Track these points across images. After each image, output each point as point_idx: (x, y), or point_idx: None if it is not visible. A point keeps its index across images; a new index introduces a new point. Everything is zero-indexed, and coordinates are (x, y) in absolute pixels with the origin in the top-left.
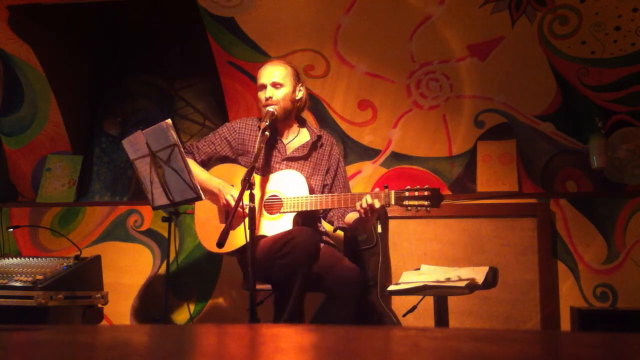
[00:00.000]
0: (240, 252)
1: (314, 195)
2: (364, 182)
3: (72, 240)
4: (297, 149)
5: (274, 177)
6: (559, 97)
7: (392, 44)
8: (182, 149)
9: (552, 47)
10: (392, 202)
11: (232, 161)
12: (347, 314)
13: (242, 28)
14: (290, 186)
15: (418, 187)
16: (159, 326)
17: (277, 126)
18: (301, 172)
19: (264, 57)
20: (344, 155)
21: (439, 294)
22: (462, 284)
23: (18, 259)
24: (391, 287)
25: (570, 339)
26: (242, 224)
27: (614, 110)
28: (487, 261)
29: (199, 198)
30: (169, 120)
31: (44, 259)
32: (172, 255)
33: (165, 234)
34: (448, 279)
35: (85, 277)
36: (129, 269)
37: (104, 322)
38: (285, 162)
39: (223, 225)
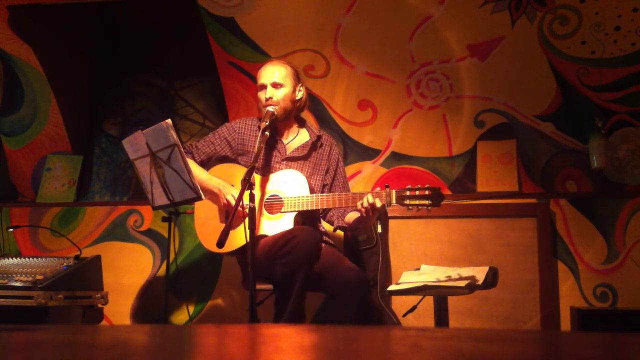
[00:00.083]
0: (240, 252)
1: (314, 194)
2: (364, 182)
3: (72, 240)
4: (297, 149)
5: (274, 177)
6: (559, 97)
7: (392, 44)
8: (182, 149)
9: (552, 47)
10: (394, 201)
11: (232, 161)
12: (347, 314)
13: (242, 28)
14: (290, 186)
15: (419, 186)
16: (159, 326)
17: (277, 126)
18: (301, 172)
19: (264, 57)
20: (344, 155)
21: (439, 294)
22: (462, 284)
23: (18, 259)
24: (391, 287)
25: (570, 339)
26: (242, 224)
27: (614, 110)
28: (487, 261)
29: (199, 198)
30: (169, 120)
31: (44, 259)
32: (172, 255)
33: (165, 234)
34: (448, 279)
35: (85, 277)
36: (129, 269)
37: (104, 322)
38: (285, 162)
39: (223, 225)
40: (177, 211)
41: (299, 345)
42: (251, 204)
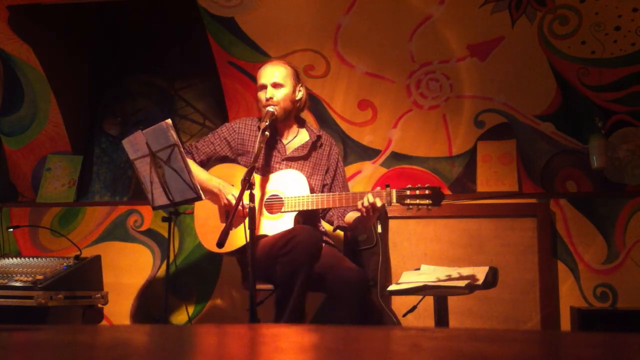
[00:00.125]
0: (240, 252)
1: (315, 194)
2: (364, 182)
3: (72, 240)
4: (297, 149)
5: (274, 177)
6: (559, 97)
7: (392, 44)
8: (182, 149)
9: (552, 47)
10: (394, 200)
11: (232, 161)
12: (348, 314)
13: (242, 28)
14: (290, 186)
15: (419, 185)
16: (159, 326)
17: (277, 126)
18: (301, 172)
19: (264, 57)
20: (344, 156)
21: (439, 294)
22: (462, 283)
23: (18, 259)
24: (391, 287)
25: (570, 339)
26: (242, 224)
27: (614, 110)
28: (487, 261)
29: (199, 198)
30: (169, 120)
31: (44, 259)
32: (172, 255)
33: (165, 234)
34: (448, 279)
35: (85, 277)
36: (129, 269)
37: (104, 322)
38: (285, 162)
39: (223, 225)
40: (177, 211)
41: (299, 345)
42: (251, 204)
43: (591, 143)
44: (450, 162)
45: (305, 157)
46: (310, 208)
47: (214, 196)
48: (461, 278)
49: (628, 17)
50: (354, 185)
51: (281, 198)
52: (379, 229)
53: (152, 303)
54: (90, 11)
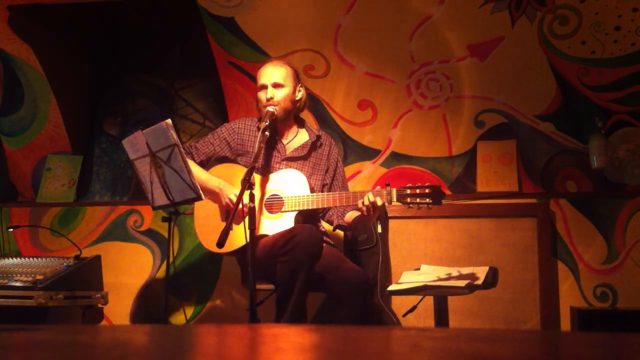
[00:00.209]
0: (240, 252)
1: (315, 193)
2: (364, 182)
3: (72, 240)
4: (297, 149)
5: (274, 177)
6: (559, 97)
7: (392, 44)
8: (182, 149)
9: (552, 47)
10: (394, 199)
11: (232, 161)
12: (348, 314)
13: (242, 28)
14: (291, 185)
15: (419, 184)
16: (159, 326)
17: (277, 126)
18: (301, 172)
19: (264, 57)
20: (344, 156)
21: (439, 294)
22: (462, 283)
23: (18, 259)
24: (391, 287)
25: (570, 339)
26: (242, 224)
27: (614, 110)
28: (487, 261)
29: (199, 198)
30: (169, 120)
31: (44, 259)
32: (172, 256)
33: (165, 234)
34: (448, 279)
35: (85, 277)
36: (129, 269)
37: (104, 322)
38: (284, 162)
39: (223, 225)
40: (177, 211)
41: (299, 345)
42: (251, 204)
43: (591, 143)
44: (450, 162)
45: (305, 157)
46: (310, 207)
47: (214, 196)
48: (461, 278)
49: (628, 17)
50: (354, 185)
51: (281, 198)
52: (379, 229)
53: (152, 303)
54: (90, 11)
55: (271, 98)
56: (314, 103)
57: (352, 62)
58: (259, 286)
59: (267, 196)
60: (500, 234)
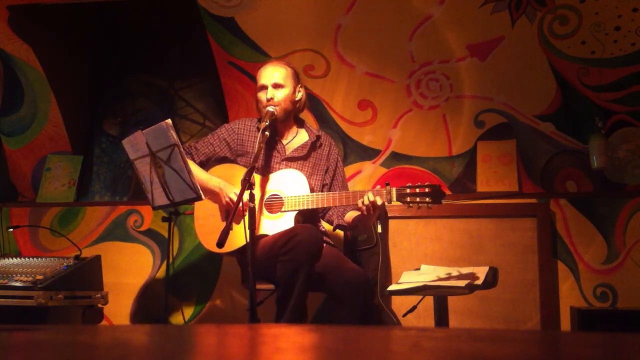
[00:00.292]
0: (241, 252)
1: (315, 193)
2: (364, 182)
3: (72, 240)
4: (297, 149)
5: (274, 177)
6: (559, 97)
7: (392, 44)
8: (182, 149)
9: (552, 47)
10: (394, 198)
11: (231, 162)
12: (349, 315)
13: (242, 28)
14: (291, 185)
15: (419, 184)
16: (159, 326)
17: (277, 127)
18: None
19: (264, 57)
20: (344, 156)
21: (439, 294)
22: (462, 283)
23: (18, 259)
24: (391, 287)
25: (570, 339)
26: (242, 224)
27: (614, 110)
28: (487, 261)
29: (199, 198)
30: (169, 120)
31: (44, 259)
32: (172, 256)
33: (165, 234)
34: (448, 279)
35: (85, 277)
36: (129, 269)
37: (104, 322)
38: (284, 163)
39: (223, 225)
40: (177, 211)
41: (299, 345)
42: (251, 204)
43: (591, 143)
44: (450, 162)
45: (304, 158)
46: (310, 207)
47: (214, 196)
48: (461, 278)
49: (628, 17)
50: (354, 185)
51: (281, 197)
52: (379, 229)
53: (152, 303)
54: (90, 11)
55: (271, 98)
56: (314, 103)
57: (352, 62)
58: (259, 286)
59: (267, 196)
60: (500, 234)
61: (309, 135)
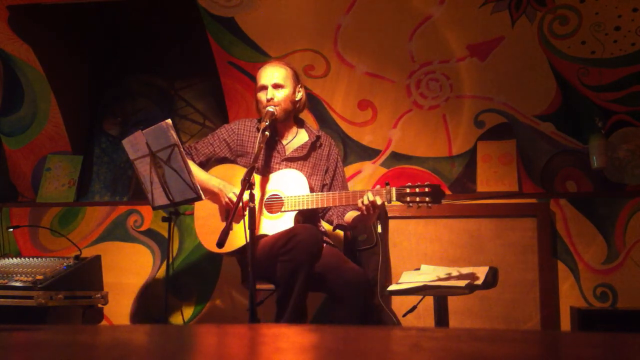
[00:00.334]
0: (240, 252)
1: (315, 193)
2: (364, 182)
3: (72, 240)
4: (296, 149)
5: (274, 177)
6: (559, 97)
7: (392, 44)
8: (182, 149)
9: (552, 47)
10: (394, 198)
11: (231, 162)
12: (349, 315)
13: (242, 28)
14: (290, 185)
15: (419, 183)
16: (159, 326)
17: (276, 127)
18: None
19: (264, 57)
20: (344, 156)
21: (439, 294)
22: (462, 283)
23: (18, 259)
24: (391, 287)
25: (570, 339)
26: (242, 224)
27: (614, 110)
28: (487, 261)
29: (199, 198)
30: (169, 120)
31: (44, 259)
32: (172, 256)
33: (165, 234)
34: (448, 279)
35: (85, 277)
36: (129, 269)
37: (104, 322)
38: (284, 163)
39: (223, 225)
40: (177, 211)
41: (299, 345)
42: (251, 204)
43: (591, 143)
44: (450, 162)
45: (304, 158)
46: (310, 207)
47: (214, 196)
48: (461, 278)
49: (628, 17)
50: (354, 185)
51: (281, 197)
52: (379, 229)
53: (152, 303)
54: (90, 11)
55: (271, 98)
56: (314, 103)
57: (352, 62)
58: (259, 286)
59: (267, 196)
60: (500, 234)
61: (309, 136)
